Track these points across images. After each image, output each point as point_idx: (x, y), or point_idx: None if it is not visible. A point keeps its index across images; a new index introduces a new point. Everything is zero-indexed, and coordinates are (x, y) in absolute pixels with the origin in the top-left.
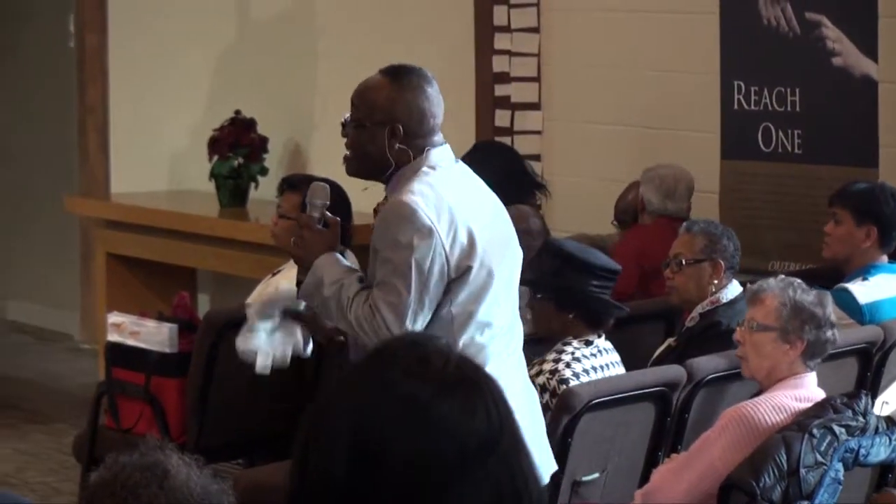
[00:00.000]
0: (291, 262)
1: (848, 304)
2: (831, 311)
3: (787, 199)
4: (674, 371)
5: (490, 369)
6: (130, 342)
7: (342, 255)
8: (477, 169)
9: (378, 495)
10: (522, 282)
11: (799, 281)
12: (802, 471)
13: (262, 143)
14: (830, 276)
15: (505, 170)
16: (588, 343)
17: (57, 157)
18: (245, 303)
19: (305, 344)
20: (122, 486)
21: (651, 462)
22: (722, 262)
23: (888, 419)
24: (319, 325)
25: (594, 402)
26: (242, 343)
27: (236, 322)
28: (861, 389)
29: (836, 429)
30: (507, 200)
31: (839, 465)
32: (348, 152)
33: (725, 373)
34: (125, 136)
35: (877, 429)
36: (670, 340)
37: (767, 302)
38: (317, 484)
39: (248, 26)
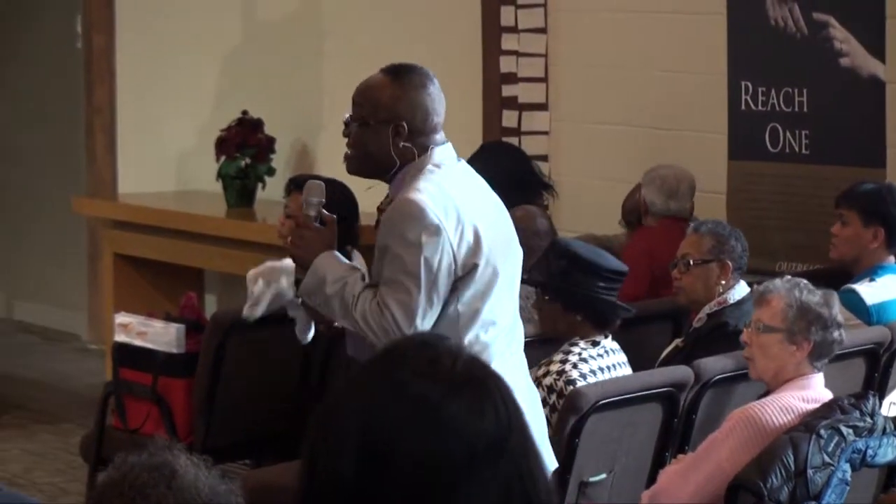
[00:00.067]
0: None
1: (855, 304)
2: (838, 311)
3: (795, 200)
4: (681, 372)
5: (494, 367)
6: (138, 342)
7: (349, 254)
8: (484, 169)
9: (387, 495)
10: (530, 282)
11: (805, 282)
12: (810, 471)
13: (270, 143)
14: (838, 276)
15: (512, 170)
16: (595, 344)
17: (64, 158)
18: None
19: (307, 330)
20: (130, 486)
21: (658, 463)
22: (730, 263)
23: (895, 420)
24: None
25: (601, 402)
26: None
27: (243, 323)
28: (868, 390)
29: (844, 429)
30: (515, 201)
31: (846, 466)
32: (349, 151)
33: (733, 373)
34: (132, 136)
35: (884, 429)
36: (677, 341)
37: (773, 303)
38: (325, 484)
39: (255, 27)
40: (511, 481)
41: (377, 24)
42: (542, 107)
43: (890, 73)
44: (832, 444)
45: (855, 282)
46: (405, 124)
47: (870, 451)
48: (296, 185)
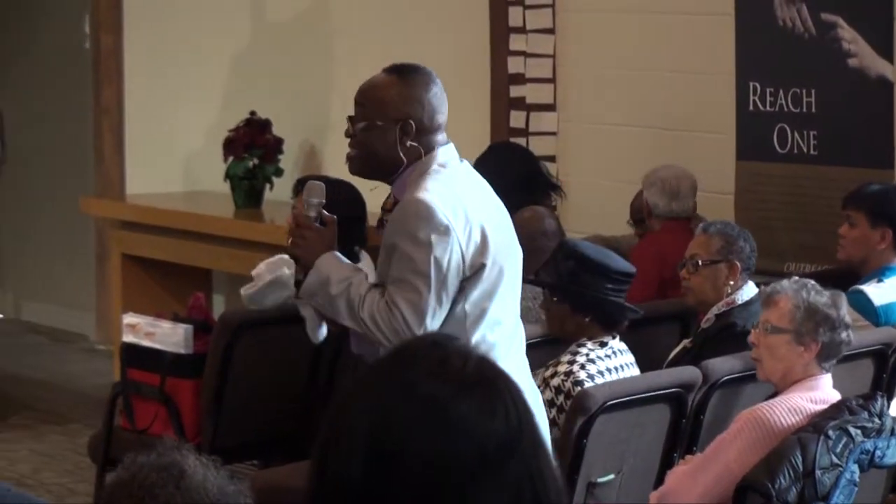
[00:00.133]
0: None
1: (863, 305)
2: (846, 311)
3: (803, 201)
4: (689, 372)
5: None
6: (146, 343)
7: (357, 254)
8: (492, 170)
9: (396, 496)
10: (538, 283)
11: (813, 282)
12: (818, 472)
13: (278, 143)
14: (846, 277)
15: (520, 171)
16: (603, 344)
17: (72, 158)
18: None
19: (317, 329)
20: (139, 487)
21: (666, 464)
22: (738, 264)
23: None
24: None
25: (609, 403)
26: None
27: (251, 323)
28: (876, 391)
29: (852, 430)
30: (523, 202)
31: (855, 467)
32: (353, 151)
33: (741, 374)
34: (140, 136)
35: (892, 430)
36: (685, 342)
37: (781, 304)
38: (335, 484)
39: (263, 27)
40: (521, 482)
41: (386, 24)
42: (549, 107)
43: None
44: (840, 445)
45: (863, 283)
46: (413, 122)
47: (878, 452)
48: (304, 185)
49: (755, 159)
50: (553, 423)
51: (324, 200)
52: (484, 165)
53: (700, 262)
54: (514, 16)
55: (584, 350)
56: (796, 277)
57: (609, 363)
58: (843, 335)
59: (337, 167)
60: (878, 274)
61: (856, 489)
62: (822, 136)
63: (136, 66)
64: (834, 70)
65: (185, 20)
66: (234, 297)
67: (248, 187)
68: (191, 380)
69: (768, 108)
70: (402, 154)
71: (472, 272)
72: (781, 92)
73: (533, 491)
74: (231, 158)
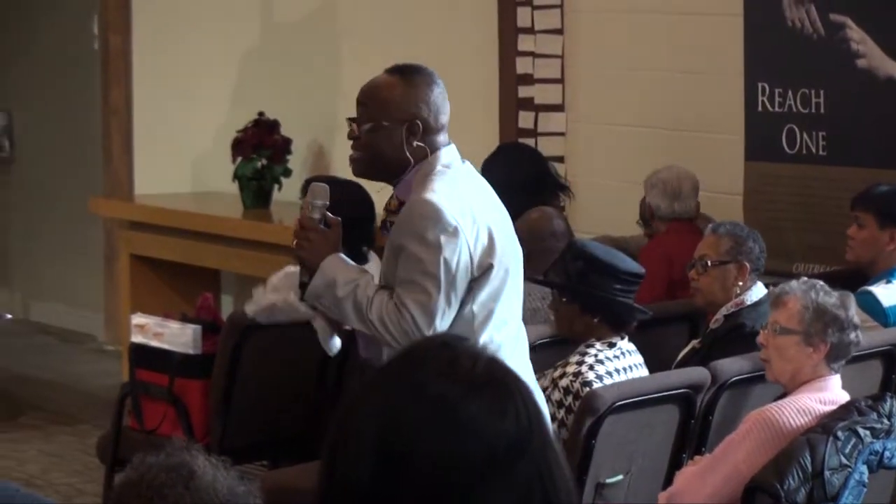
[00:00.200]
0: None
1: (871, 306)
2: (854, 312)
3: (812, 201)
4: (698, 373)
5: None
6: (154, 343)
7: (365, 255)
8: (501, 171)
9: (405, 496)
10: (546, 284)
11: (821, 283)
12: (827, 473)
13: (286, 144)
14: (854, 278)
15: (529, 172)
16: (611, 345)
17: (81, 159)
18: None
19: (330, 340)
20: (148, 487)
21: (675, 464)
22: (747, 264)
23: None
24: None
25: (618, 404)
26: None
27: (259, 324)
28: (886, 392)
29: (861, 431)
30: (531, 202)
31: (864, 468)
32: (356, 153)
33: (750, 375)
34: (149, 137)
35: None
36: (694, 342)
37: (790, 305)
38: (344, 485)
39: (271, 28)
40: (531, 482)
41: (393, 25)
42: (558, 108)
43: None
44: (849, 446)
45: (871, 283)
46: (419, 122)
47: (887, 453)
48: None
49: (764, 160)
50: (562, 423)
51: (327, 202)
52: (493, 166)
53: (709, 263)
54: (523, 16)
55: (592, 351)
56: (805, 278)
57: (618, 364)
58: (852, 336)
59: (345, 167)
60: (887, 275)
61: (865, 490)
62: (830, 137)
63: (144, 67)
64: (843, 71)
65: (194, 21)
66: (243, 297)
67: (256, 188)
68: (199, 380)
69: (777, 108)
70: (408, 154)
71: (480, 273)
72: (790, 93)
73: (543, 491)
74: (239, 159)
